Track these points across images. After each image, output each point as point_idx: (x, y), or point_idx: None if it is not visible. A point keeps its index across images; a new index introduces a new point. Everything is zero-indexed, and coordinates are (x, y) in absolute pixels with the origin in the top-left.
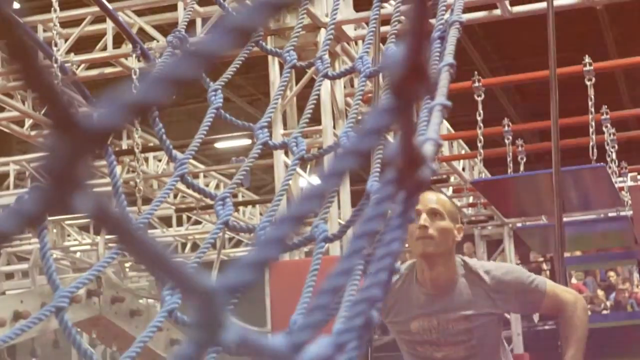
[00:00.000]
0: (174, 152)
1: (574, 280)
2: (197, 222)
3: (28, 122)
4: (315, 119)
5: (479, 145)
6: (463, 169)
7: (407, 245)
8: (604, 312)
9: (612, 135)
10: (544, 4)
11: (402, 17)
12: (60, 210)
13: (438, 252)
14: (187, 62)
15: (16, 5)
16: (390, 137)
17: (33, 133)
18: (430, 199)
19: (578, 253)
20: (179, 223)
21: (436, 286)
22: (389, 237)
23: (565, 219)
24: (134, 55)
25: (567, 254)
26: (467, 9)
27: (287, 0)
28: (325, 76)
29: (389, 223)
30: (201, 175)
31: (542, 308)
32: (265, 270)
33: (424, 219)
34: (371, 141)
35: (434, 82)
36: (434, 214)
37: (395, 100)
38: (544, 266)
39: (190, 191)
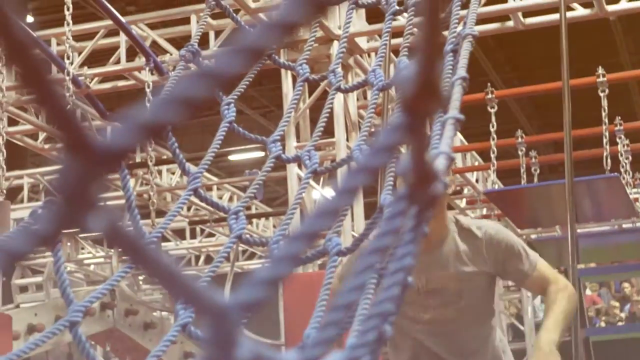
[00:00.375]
0: (187, 165)
1: (588, 292)
2: (211, 235)
3: (42, 136)
4: (328, 131)
5: (492, 156)
6: (476, 181)
7: None
8: (619, 323)
9: (625, 146)
10: (556, 15)
11: (415, 30)
12: (74, 229)
13: None
14: (199, 82)
15: (30, 19)
16: (403, 151)
17: (47, 146)
18: None
19: (592, 265)
20: (193, 235)
21: (426, 240)
22: (401, 252)
23: (580, 231)
24: (147, 69)
25: (581, 266)
26: (480, 21)
27: (300, 21)
28: (338, 89)
29: (402, 238)
30: (214, 187)
31: (530, 281)
32: (278, 287)
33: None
34: (383, 158)
35: (447, 96)
36: None
37: (407, 117)
38: None
39: (203, 204)
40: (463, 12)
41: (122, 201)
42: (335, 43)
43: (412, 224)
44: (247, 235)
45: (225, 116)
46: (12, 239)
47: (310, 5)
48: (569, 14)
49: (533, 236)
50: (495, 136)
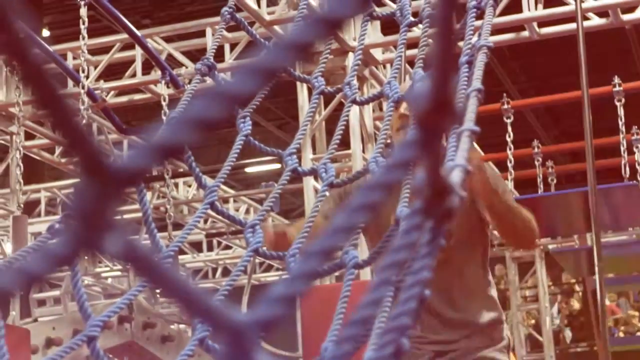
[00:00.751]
0: (204, 178)
1: (607, 302)
2: (228, 247)
3: (58, 149)
4: (344, 142)
5: (510, 165)
6: None
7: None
8: (638, 333)
9: None
10: (571, 25)
11: (430, 41)
12: (91, 250)
13: None
14: (215, 102)
15: (45, 33)
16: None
17: (63, 160)
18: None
19: (611, 275)
20: (210, 248)
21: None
22: (418, 266)
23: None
24: (162, 82)
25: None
26: (495, 31)
27: (316, 40)
28: (354, 102)
29: (418, 251)
30: (231, 200)
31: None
32: (295, 304)
33: (404, 107)
34: (399, 174)
35: (462, 107)
36: None
37: (422, 133)
38: (577, 287)
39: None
40: (478, 23)
41: (139, 214)
42: (351, 55)
43: (428, 237)
44: (264, 250)
45: (241, 129)
46: (30, 261)
47: (326, 24)
48: (585, 24)
49: (550, 245)
50: (512, 146)
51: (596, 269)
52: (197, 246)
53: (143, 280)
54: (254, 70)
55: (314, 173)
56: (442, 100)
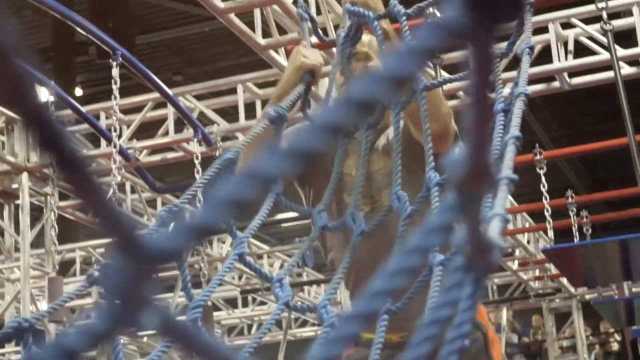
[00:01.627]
0: (238, 234)
1: None
2: (263, 303)
3: None
4: None
5: (547, 214)
6: (528, 242)
7: None
8: None
9: None
10: (602, 75)
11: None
12: (128, 328)
13: None
14: (249, 184)
15: (78, 92)
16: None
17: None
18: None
19: None
20: (245, 304)
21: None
22: (459, 320)
23: (635, 290)
24: (195, 140)
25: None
26: None
27: (350, 122)
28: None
29: (459, 306)
30: (265, 256)
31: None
32: None
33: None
34: (438, 239)
35: (500, 155)
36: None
37: (461, 198)
38: (616, 336)
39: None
40: (506, 75)
41: (175, 272)
42: None
43: (469, 291)
44: (296, 303)
45: (271, 188)
46: (68, 337)
47: (357, 107)
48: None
49: (587, 296)
50: (547, 195)
51: None
52: (232, 302)
53: (183, 352)
54: (286, 153)
55: (343, 226)
56: (480, 167)
